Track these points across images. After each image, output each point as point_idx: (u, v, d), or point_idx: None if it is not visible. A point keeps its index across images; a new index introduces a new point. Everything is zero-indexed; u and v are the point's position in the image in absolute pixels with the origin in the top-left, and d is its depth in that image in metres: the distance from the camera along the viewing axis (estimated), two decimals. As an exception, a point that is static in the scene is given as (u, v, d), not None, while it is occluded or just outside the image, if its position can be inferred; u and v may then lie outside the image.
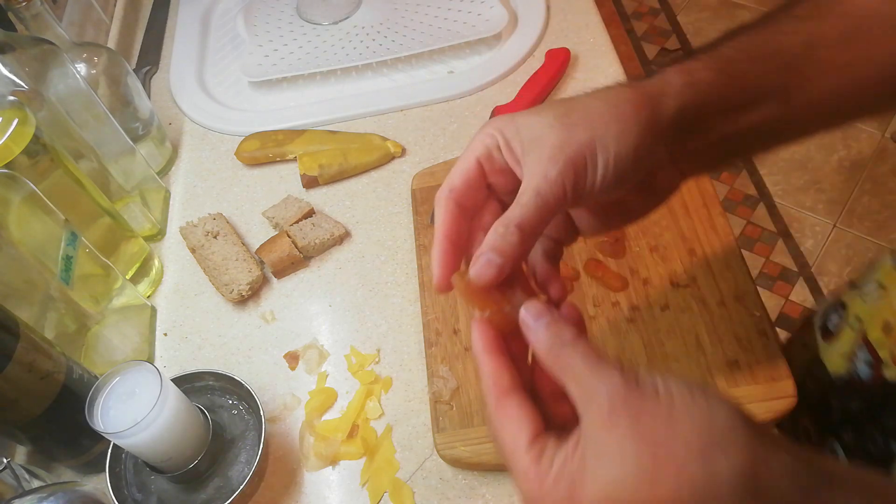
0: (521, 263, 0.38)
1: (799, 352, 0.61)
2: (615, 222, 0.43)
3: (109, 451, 0.59)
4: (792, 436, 0.59)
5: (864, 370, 0.53)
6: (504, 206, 0.38)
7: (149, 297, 0.76)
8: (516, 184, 0.37)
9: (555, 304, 0.40)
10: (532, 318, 0.34)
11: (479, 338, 0.36)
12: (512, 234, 0.35)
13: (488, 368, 0.35)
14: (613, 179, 0.36)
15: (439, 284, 0.37)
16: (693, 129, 0.38)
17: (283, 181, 0.84)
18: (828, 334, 0.58)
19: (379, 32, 0.96)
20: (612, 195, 0.38)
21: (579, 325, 0.37)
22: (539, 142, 0.36)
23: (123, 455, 0.60)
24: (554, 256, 0.42)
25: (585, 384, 0.31)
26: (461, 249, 0.38)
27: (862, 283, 0.55)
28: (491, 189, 0.40)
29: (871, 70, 0.41)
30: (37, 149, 0.60)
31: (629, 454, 0.28)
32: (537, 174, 0.35)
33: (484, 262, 0.35)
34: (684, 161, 0.40)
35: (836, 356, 0.56)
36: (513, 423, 0.33)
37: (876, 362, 0.52)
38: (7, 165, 0.58)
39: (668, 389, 0.30)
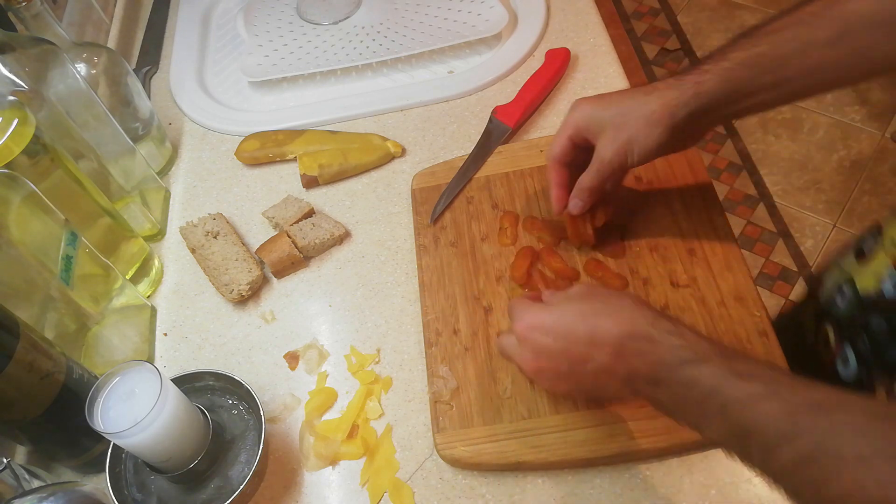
0: (595, 201, 0.64)
1: (833, 272, 0.69)
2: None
3: (109, 451, 0.59)
4: (813, 338, 0.69)
5: (889, 290, 0.59)
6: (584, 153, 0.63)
7: (149, 297, 0.76)
8: (590, 145, 0.62)
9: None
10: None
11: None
12: (586, 192, 0.63)
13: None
14: (644, 159, 0.59)
15: (558, 211, 0.66)
16: (700, 122, 0.58)
17: (283, 181, 0.84)
18: (861, 256, 0.64)
19: (379, 32, 0.96)
20: (648, 162, 0.60)
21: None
22: (603, 132, 0.60)
23: (123, 455, 0.60)
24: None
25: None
26: (567, 189, 0.65)
27: None
28: (575, 147, 0.63)
29: (858, 64, 0.53)
30: (37, 149, 0.60)
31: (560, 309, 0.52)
32: (601, 155, 0.60)
33: (573, 203, 0.64)
34: (693, 135, 0.60)
35: (868, 276, 0.62)
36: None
37: None
38: (7, 165, 0.58)
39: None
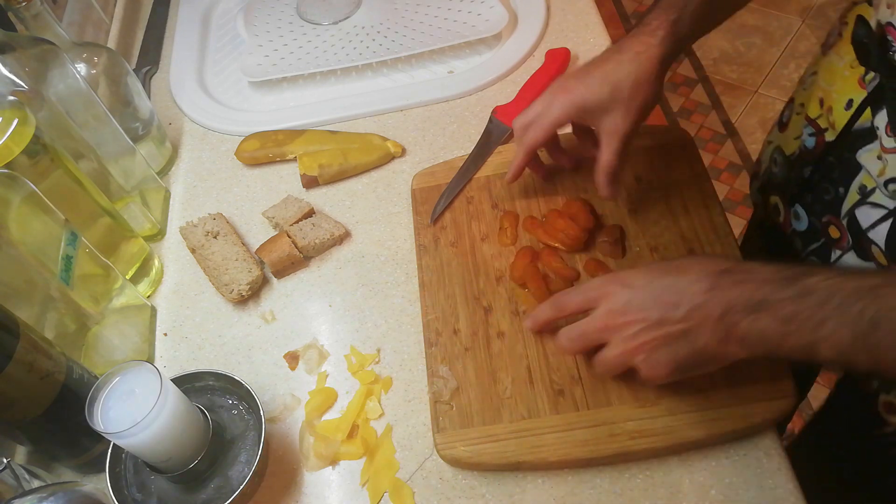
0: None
1: (766, 149, 0.78)
2: None
3: (109, 451, 0.59)
4: (764, 213, 0.77)
5: (810, 142, 0.67)
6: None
7: (149, 297, 0.76)
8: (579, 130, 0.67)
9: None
10: None
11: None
12: (614, 166, 0.62)
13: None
14: (651, 109, 0.62)
15: (513, 177, 0.69)
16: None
17: (283, 181, 0.84)
18: (783, 126, 0.73)
19: (379, 32, 0.96)
20: None
21: None
22: (609, 111, 0.60)
23: (123, 455, 0.60)
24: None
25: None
26: (525, 167, 0.68)
27: (804, 77, 0.70)
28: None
29: None
30: (37, 149, 0.60)
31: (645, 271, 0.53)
32: (619, 131, 0.61)
33: (612, 191, 0.64)
34: None
35: (790, 140, 0.71)
36: None
37: (818, 132, 0.66)
38: (7, 165, 0.58)
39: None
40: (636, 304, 0.51)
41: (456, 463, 0.59)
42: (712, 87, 2.19)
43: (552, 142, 0.65)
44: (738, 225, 1.87)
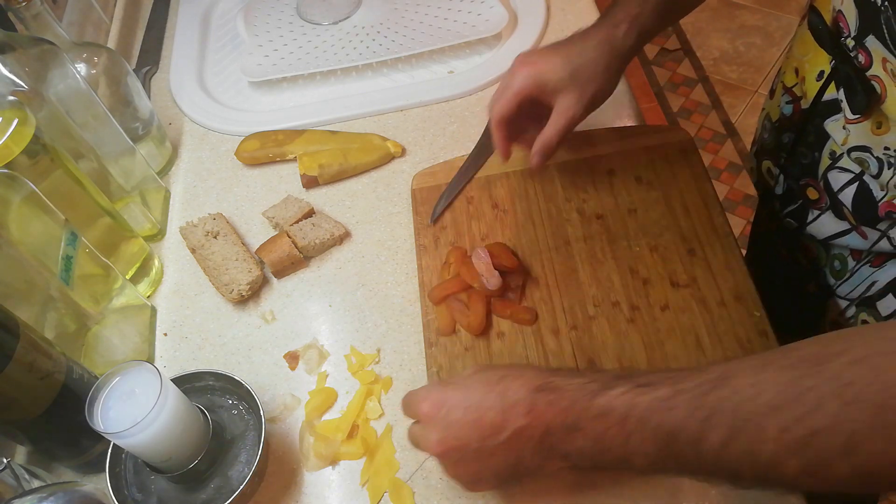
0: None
1: (760, 116, 0.82)
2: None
3: (109, 451, 0.59)
4: (759, 177, 0.81)
5: (787, 109, 0.71)
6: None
7: (149, 297, 0.76)
8: (538, 104, 0.65)
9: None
10: None
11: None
12: (553, 148, 0.66)
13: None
14: (604, 100, 0.66)
15: (504, 155, 0.69)
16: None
17: (283, 181, 0.84)
18: (772, 94, 0.78)
19: (379, 32, 0.96)
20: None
21: None
22: (565, 91, 0.63)
23: (123, 455, 0.60)
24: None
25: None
26: (509, 140, 0.68)
27: (787, 47, 0.74)
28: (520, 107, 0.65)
29: None
30: (37, 149, 0.60)
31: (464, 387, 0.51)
32: (570, 112, 0.63)
33: (538, 159, 0.66)
34: None
35: (774, 107, 0.76)
36: None
37: (794, 100, 0.70)
38: (7, 165, 0.58)
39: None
40: (453, 433, 0.49)
41: (456, 463, 0.59)
42: (712, 87, 2.19)
43: (517, 115, 0.66)
44: (738, 225, 1.87)
